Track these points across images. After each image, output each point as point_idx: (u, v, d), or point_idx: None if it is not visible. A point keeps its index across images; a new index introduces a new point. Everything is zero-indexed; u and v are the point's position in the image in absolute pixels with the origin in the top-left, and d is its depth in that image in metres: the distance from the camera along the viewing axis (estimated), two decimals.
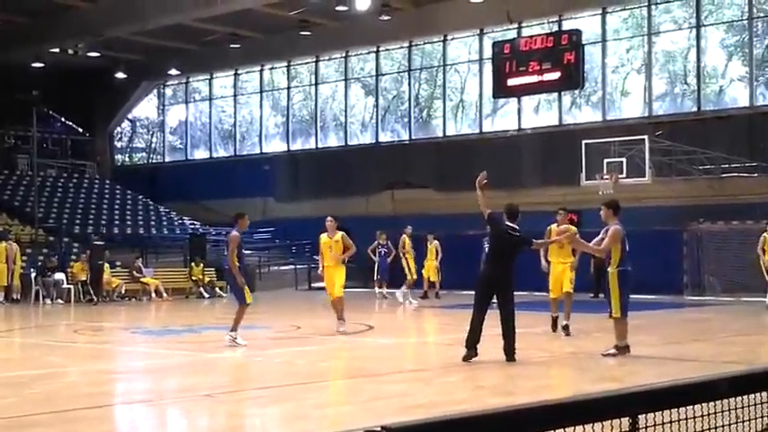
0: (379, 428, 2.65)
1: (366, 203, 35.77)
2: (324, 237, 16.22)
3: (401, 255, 26.16)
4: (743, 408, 3.77)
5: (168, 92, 46.06)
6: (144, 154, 48.40)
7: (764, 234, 21.91)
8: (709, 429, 3.65)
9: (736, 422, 3.76)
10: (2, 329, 19.43)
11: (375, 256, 27.71)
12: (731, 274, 26.36)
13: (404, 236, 26.39)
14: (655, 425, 3.46)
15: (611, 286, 12.37)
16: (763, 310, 21.36)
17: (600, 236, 12.91)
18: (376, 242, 27.71)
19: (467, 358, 11.67)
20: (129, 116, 47.31)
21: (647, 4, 31.93)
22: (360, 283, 32.62)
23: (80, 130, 45.67)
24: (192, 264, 31.06)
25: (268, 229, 37.44)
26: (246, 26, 37.15)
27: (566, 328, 15.27)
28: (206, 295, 30.16)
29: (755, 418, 3.85)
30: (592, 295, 24.38)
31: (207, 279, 30.56)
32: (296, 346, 14.97)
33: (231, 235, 14.61)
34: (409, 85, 37.90)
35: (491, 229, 12.46)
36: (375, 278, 27.97)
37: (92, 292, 27.20)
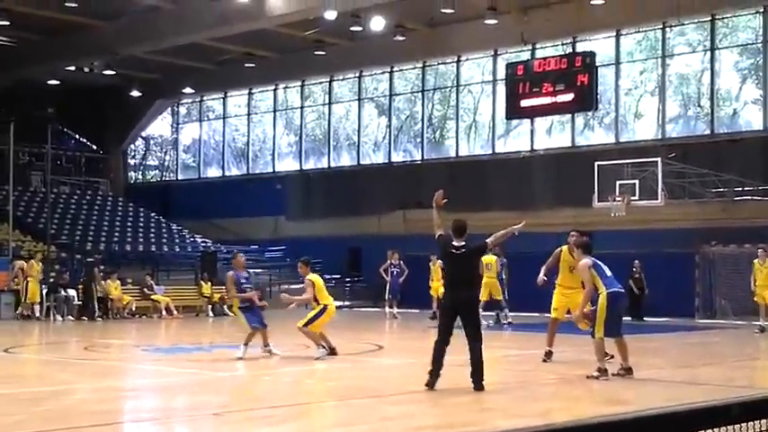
0: None
1: (378, 223, 35.74)
2: None
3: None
4: None
5: (182, 110, 46.27)
6: (157, 172, 48.59)
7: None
8: None
9: None
10: (13, 345, 19.44)
11: (387, 275, 27.62)
12: (743, 297, 26.16)
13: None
14: None
15: (599, 307, 12.29)
16: None
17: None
18: (388, 261, 27.64)
19: (430, 385, 11.16)
20: (143, 134, 47.52)
21: (661, 26, 31.95)
22: (370, 302, 32.57)
23: (94, 147, 45.93)
24: (201, 281, 31.08)
25: (279, 247, 37.42)
26: (261, 46, 37.33)
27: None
28: (211, 314, 30.11)
29: None
30: (632, 318, 23.68)
31: (217, 297, 30.54)
32: (305, 365, 14.92)
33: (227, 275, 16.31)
34: (422, 105, 37.94)
35: (439, 250, 11.73)
36: (386, 297, 27.86)
37: (85, 307, 27.17)
